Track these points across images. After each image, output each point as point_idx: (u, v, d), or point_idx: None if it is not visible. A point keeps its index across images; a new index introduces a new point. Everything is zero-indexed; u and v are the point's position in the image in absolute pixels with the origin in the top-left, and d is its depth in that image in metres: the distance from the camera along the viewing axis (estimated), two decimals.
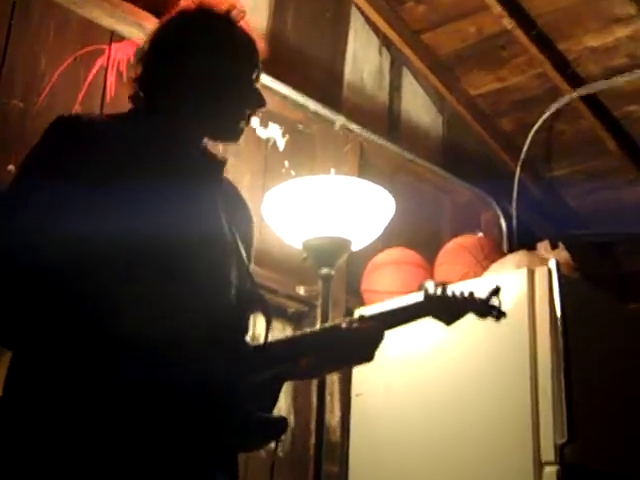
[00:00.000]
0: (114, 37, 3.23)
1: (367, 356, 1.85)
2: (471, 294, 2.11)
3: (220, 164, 1.85)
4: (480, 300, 2.13)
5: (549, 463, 2.77)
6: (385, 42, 4.36)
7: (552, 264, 3.06)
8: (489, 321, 3.05)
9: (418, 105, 4.51)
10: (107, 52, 3.20)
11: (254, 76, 1.84)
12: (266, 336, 1.74)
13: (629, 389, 3.11)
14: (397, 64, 4.43)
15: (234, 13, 1.84)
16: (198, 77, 1.76)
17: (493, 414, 2.91)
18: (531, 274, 3.06)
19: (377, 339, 1.85)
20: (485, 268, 3.50)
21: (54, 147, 1.64)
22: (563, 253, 3.56)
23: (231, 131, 1.83)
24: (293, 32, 3.93)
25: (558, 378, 2.86)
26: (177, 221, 1.63)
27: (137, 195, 1.59)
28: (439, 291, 2.05)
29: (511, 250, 4.11)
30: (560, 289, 2.98)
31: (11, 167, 2.83)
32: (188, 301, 1.59)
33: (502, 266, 3.41)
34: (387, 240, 3.70)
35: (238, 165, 3.48)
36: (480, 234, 3.99)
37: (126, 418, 1.49)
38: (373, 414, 3.28)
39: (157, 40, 1.83)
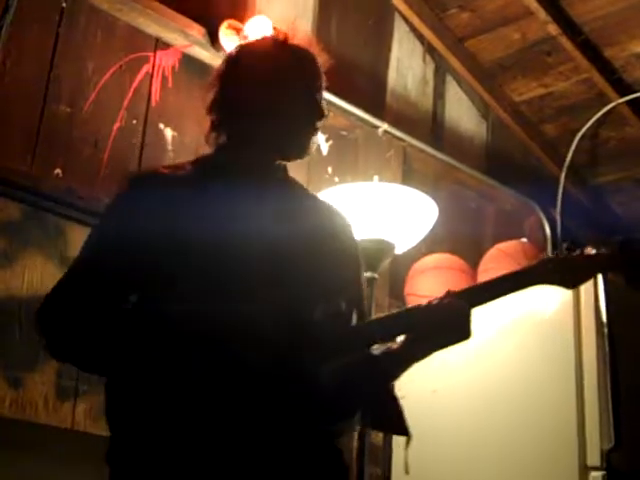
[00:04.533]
0: (159, 44, 3.28)
1: (456, 334, 1.72)
2: (602, 254, 1.79)
3: (302, 190, 1.94)
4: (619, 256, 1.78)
5: (595, 468, 2.74)
6: (429, 49, 4.36)
7: None
8: (535, 325, 3.04)
9: (462, 112, 4.50)
10: (152, 59, 3.24)
11: (316, 90, 1.88)
12: None
13: None
14: (441, 71, 4.43)
15: (291, 36, 1.90)
16: (267, 104, 1.82)
17: (539, 418, 2.88)
18: None
19: (462, 313, 1.71)
20: None
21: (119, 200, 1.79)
22: None
23: (303, 148, 1.86)
24: (337, 40, 3.94)
25: (604, 383, 2.82)
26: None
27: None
28: (555, 255, 1.80)
29: None
30: (606, 294, 2.95)
31: (58, 171, 2.87)
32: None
33: None
34: (430, 245, 3.70)
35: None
36: (524, 240, 3.96)
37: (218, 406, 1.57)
38: (416, 417, 3.23)
39: (222, 73, 1.89)
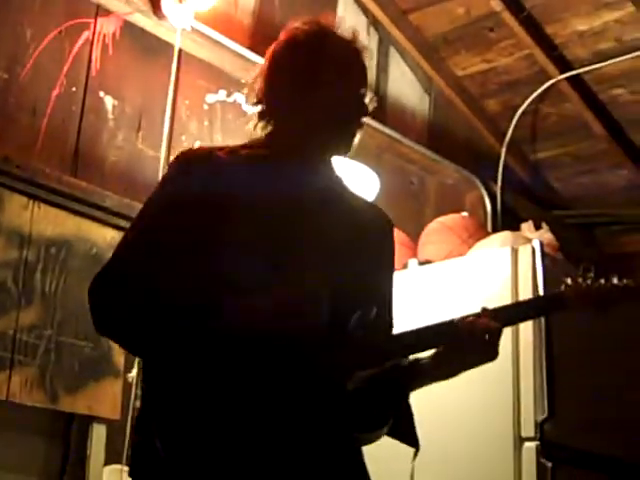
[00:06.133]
0: (100, 11, 3.22)
1: (487, 354, 1.67)
2: (629, 285, 1.74)
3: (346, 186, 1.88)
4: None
5: (529, 439, 2.80)
6: (373, 22, 4.34)
7: (535, 244, 3.07)
8: (472, 299, 3.08)
9: (405, 85, 4.50)
10: (93, 25, 3.18)
11: (363, 85, 1.84)
12: None
13: (610, 368, 3.12)
14: (385, 44, 4.42)
15: (344, 31, 1.84)
16: (325, 100, 1.77)
17: (474, 389, 2.91)
18: (515, 253, 3.07)
19: (493, 335, 1.65)
20: (470, 247, 3.51)
21: (173, 180, 1.75)
22: (547, 234, 3.58)
23: (349, 144, 1.82)
24: (281, 10, 3.91)
25: (539, 355, 2.87)
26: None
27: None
28: (582, 281, 1.73)
29: (495, 230, 4.12)
30: (543, 268, 2.99)
31: None
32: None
33: (486, 245, 3.42)
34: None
35: (227, 142, 3.48)
36: (465, 214, 4.00)
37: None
38: None
39: (279, 64, 1.83)
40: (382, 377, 1.68)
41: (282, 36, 1.86)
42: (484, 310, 1.69)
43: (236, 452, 1.53)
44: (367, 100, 1.83)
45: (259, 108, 1.83)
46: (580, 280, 1.73)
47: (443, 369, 1.71)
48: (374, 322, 1.75)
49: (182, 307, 1.58)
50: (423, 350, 1.70)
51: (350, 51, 1.82)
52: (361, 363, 1.65)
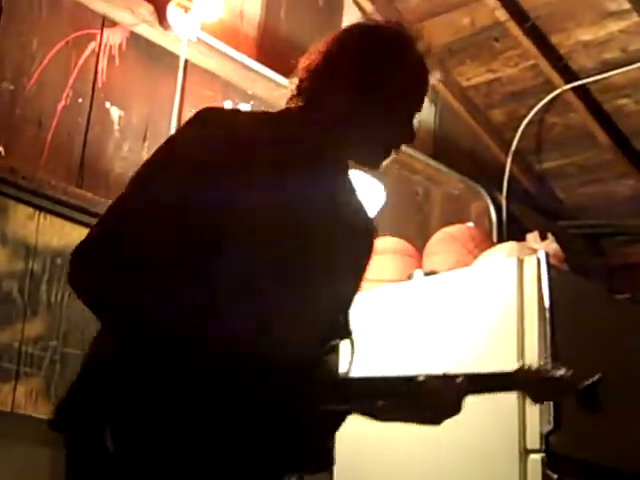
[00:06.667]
0: (106, 22, 3.23)
1: (435, 420, 1.68)
2: (567, 379, 1.85)
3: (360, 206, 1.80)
4: (577, 388, 1.88)
5: (534, 451, 2.79)
6: None
7: (541, 254, 3.06)
8: (477, 310, 3.08)
9: None
10: (99, 37, 3.19)
11: (419, 111, 1.73)
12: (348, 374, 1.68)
13: (616, 379, 3.10)
14: None
15: (418, 41, 1.74)
16: (381, 107, 1.66)
17: (479, 401, 2.90)
18: (520, 263, 3.06)
19: (451, 408, 1.67)
20: (475, 257, 3.50)
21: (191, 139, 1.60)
22: (552, 244, 3.57)
23: (377, 162, 1.72)
24: (286, 21, 3.92)
25: None
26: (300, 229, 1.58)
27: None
28: (534, 367, 1.83)
29: (501, 241, 4.12)
30: (549, 279, 2.98)
31: (0, 149, 2.83)
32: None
33: (492, 256, 3.42)
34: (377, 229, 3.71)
35: None
36: (470, 224, 4.00)
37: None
38: None
39: (349, 48, 1.69)
40: (338, 412, 1.66)
41: (359, 23, 1.76)
42: (445, 376, 1.68)
43: (186, 462, 1.48)
44: (415, 124, 1.71)
45: (297, 83, 1.71)
46: (532, 366, 1.82)
47: (393, 416, 1.74)
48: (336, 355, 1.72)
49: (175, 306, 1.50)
50: (384, 398, 1.68)
51: (423, 69, 1.72)
52: (325, 399, 1.60)
